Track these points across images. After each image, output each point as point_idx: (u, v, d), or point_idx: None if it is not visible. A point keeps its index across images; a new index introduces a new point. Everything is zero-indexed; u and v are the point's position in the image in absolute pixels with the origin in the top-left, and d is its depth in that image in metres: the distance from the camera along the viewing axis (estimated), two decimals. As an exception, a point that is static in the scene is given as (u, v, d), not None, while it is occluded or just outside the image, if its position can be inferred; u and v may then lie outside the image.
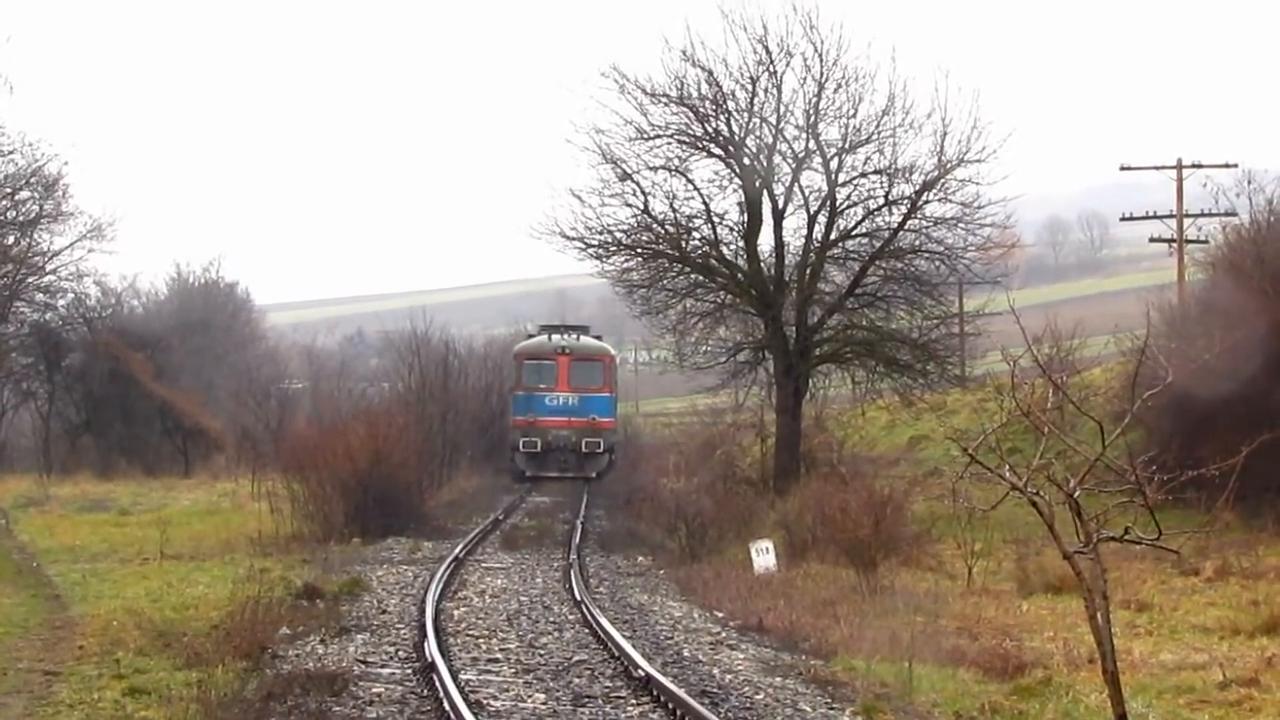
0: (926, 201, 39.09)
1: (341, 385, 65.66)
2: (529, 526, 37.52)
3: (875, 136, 38.83)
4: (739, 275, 40.40)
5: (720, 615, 22.81)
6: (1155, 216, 53.20)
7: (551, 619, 21.79)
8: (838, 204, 39.72)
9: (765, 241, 40.37)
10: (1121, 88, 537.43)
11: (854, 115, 38.76)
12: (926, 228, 39.63)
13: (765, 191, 39.99)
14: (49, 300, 63.35)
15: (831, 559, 26.89)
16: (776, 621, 21.48)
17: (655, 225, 40.08)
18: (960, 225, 39.36)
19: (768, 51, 38.57)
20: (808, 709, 15.38)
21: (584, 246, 39.98)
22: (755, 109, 39.10)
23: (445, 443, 49.27)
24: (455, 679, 15.97)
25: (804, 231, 40.12)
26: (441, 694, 15.21)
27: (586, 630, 20.59)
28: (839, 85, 38.58)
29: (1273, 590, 22.90)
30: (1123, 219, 58.52)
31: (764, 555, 27.28)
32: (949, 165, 38.29)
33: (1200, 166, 51.56)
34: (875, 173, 39.33)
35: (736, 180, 39.75)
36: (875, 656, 18.06)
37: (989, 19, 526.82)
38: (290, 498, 34.59)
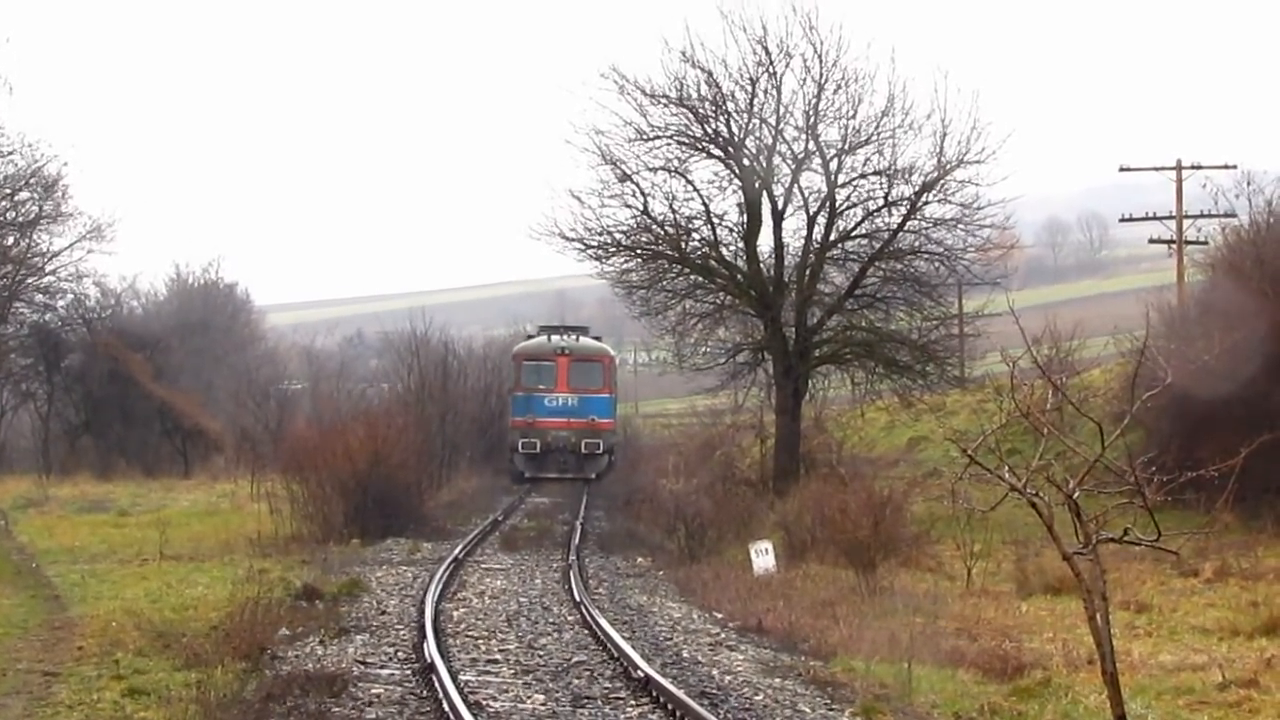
0: (926, 202, 39.15)
1: (341, 386, 65.65)
2: (528, 527, 37.52)
3: (875, 137, 38.89)
4: (738, 276, 40.40)
5: (719, 616, 22.81)
6: (1155, 218, 53.22)
7: (551, 620, 21.79)
8: (837, 205, 39.75)
9: (765, 242, 40.45)
10: (1121, 89, 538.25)
11: (853, 116, 38.85)
12: (926, 229, 39.66)
13: (765, 192, 40.00)
14: (48, 301, 63.43)
15: (831, 560, 26.89)
16: (776, 622, 21.48)
17: (655, 226, 40.10)
18: (960, 226, 39.41)
19: (767, 52, 38.63)
20: (807, 710, 15.38)
21: (583, 247, 40.05)
22: (755, 110, 39.15)
23: (444, 444, 49.27)
24: (454, 680, 15.97)
25: (803, 232, 40.18)
26: (441, 695, 15.21)
27: (586, 631, 20.59)
28: (838, 86, 38.66)
29: (1272, 591, 22.91)
30: (1122, 220, 58.57)
31: (763, 556, 27.28)
32: (948, 166, 38.34)
33: (1200, 168, 51.61)
34: (875, 174, 39.38)
35: (736, 181, 39.78)
36: (874, 657, 18.07)
37: (988, 20, 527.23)
38: (289, 499, 34.59)
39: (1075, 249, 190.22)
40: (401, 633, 20.23)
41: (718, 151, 39.55)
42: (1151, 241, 54.64)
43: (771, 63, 38.66)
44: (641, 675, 16.32)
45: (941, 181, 38.63)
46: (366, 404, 52.84)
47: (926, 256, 39.86)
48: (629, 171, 39.40)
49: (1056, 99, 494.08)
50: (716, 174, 39.85)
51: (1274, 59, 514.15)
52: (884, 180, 39.28)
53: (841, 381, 43.05)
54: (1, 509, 41.64)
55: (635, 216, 39.93)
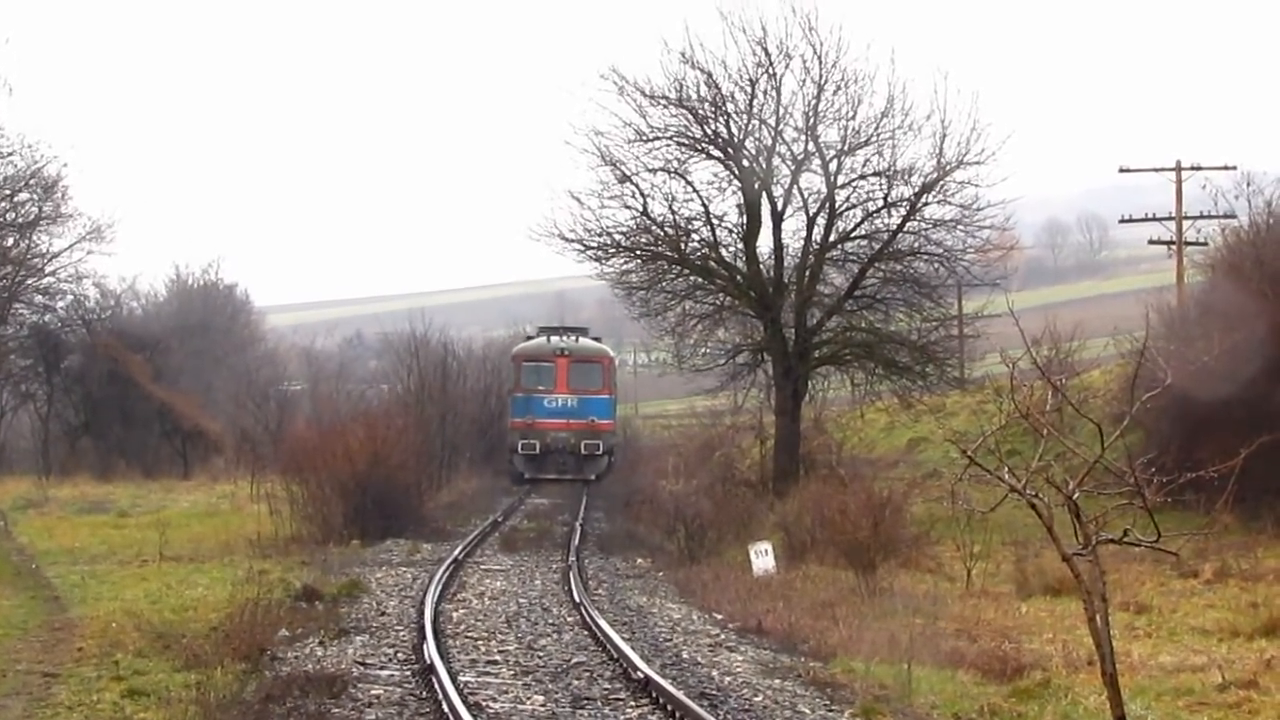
0: (925, 203, 39.14)
1: (340, 387, 65.68)
2: (528, 528, 37.51)
3: (874, 138, 38.89)
4: (738, 277, 40.41)
5: (719, 617, 22.82)
6: (1154, 219, 53.24)
7: (550, 621, 21.79)
8: (837, 206, 39.75)
9: (764, 243, 40.46)
10: (1120, 90, 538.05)
11: (853, 117, 38.84)
12: (925, 230, 39.65)
13: (764, 193, 40.00)
14: (48, 302, 63.45)
15: (830, 561, 26.89)
16: (775, 623, 21.49)
17: (654, 227, 40.10)
18: (959, 227, 39.40)
19: (767, 53, 38.62)
20: (806, 711, 15.39)
21: (583, 248, 40.05)
22: (754, 111, 39.14)
23: (444, 445, 49.29)
24: (454, 681, 15.98)
25: (803, 233, 40.17)
26: (440, 696, 15.21)
27: (585, 632, 20.59)
28: (838, 87, 38.66)
29: (1272, 592, 22.92)
30: (1122, 221, 58.60)
31: (763, 557, 27.29)
32: (948, 167, 38.33)
33: (1199, 168, 51.63)
34: (874, 175, 39.38)
35: (735, 182, 39.78)
36: (874, 658, 18.07)
37: (988, 21, 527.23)
38: (289, 500, 34.57)
39: (1075, 250, 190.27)
40: (401, 634, 20.23)
41: (717, 152, 39.56)
42: (1151, 242, 54.66)
43: (771, 64, 38.71)
44: (641, 676, 16.32)
45: (941, 182, 38.64)
46: (366, 405, 52.82)
47: (926, 257, 39.86)
48: (628, 172, 39.44)
49: (1056, 100, 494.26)
50: (716, 175, 39.92)
51: (1274, 60, 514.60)
52: (883, 181, 39.32)
53: (841, 382, 43.06)
54: (1, 510, 41.64)
55: (635, 217, 39.97)
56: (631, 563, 31.17)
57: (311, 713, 14.75)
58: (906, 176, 38.93)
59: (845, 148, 39.10)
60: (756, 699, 15.90)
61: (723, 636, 20.74)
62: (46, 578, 26.77)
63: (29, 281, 61.74)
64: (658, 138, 39.24)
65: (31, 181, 58.14)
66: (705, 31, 46.99)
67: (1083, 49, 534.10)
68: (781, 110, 39.09)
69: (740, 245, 40.34)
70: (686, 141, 39.50)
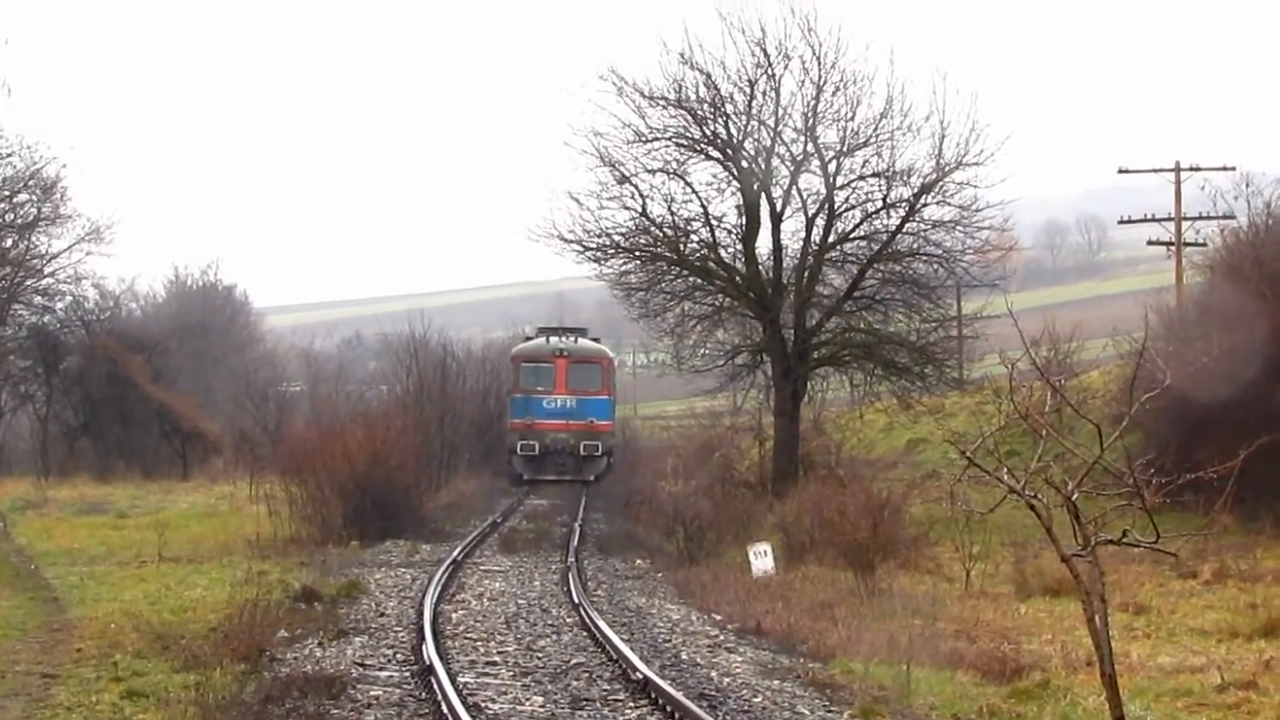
0: (924, 204, 39.16)
1: (339, 388, 65.69)
2: (527, 529, 37.51)
3: (873, 139, 38.91)
4: (737, 278, 40.41)
5: (718, 618, 22.81)
6: (1153, 219, 53.28)
7: (550, 622, 21.79)
8: (836, 207, 39.76)
9: (763, 244, 40.47)
10: (1119, 90, 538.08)
11: (852, 118, 38.87)
12: (924, 230, 39.66)
13: (763, 194, 40.01)
14: (47, 303, 63.43)
15: (829, 562, 26.89)
16: (774, 624, 21.49)
17: (653, 228, 40.11)
18: (958, 228, 39.42)
19: (766, 54, 38.64)
20: (806, 712, 15.39)
21: (582, 249, 40.06)
22: (753, 112, 39.15)
23: (443, 445, 49.30)
24: (453, 682, 15.98)
25: (802, 234, 40.19)
26: (440, 697, 15.20)
27: (584, 633, 20.59)
28: (837, 88, 38.67)
29: (1271, 593, 22.92)
30: (1121, 222, 58.62)
31: (762, 558, 27.29)
32: (947, 168, 38.33)
33: (1198, 169, 51.66)
34: (873, 175, 39.41)
35: (734, 183, 39.79)
36: (873, 659, 18.07)
37: (987, 22, 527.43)
38: (288, 500, 34.57)
39: (1074, 251, 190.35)
40: (400, 635, 20.22)
41: (716, 153, 39.57)
42: (1150, 243, 54.68)
43: (770, 65, 38.72)
44: (640, 677, 16.32)
45: (940, 183, 38.65)
46: (365, 406, 52.83)
47: (925, 258, 39.86)
48: (627, 173, 39.46)
49: (1055, 101, 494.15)
50: (715, 176, 39.94)
51: (1273, 60, 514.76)
52: (882, 182, 39.34)
53: (840, 383, 43.07)
54: (0, 511, 41.63)
55: (634, 218, 40.00)
56: (630, 564, 31.16)
57: (310, 713, 14.74)
58: (905, 177, 39.01)
59: (844, 149, 39.14)
60: (755, 700, 15.90)
61: (722, 637, 20.74)
62: (45, 579, 26.77)
63: (28, 282, 61.75)
64: (657, 138, 39.29)
65: (30, 182, 58.18)
66: (704, 32, 47.10)
67: (1082, 49, 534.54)
68: (780, 111, 39.16)
69: (739, 246, 40.35)
70: (685, 142, 39.52)
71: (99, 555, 30.92)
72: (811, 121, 38.93)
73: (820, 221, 39.82)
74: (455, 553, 30.13)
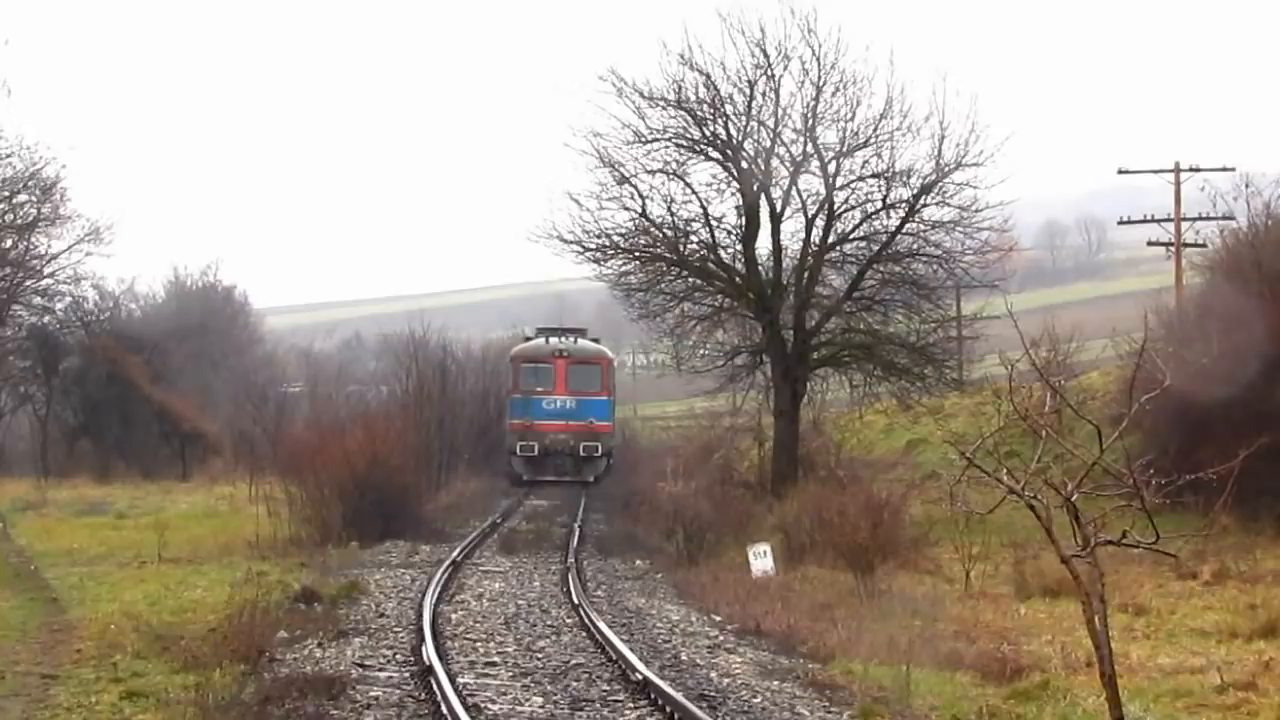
0: (924, 205, 39.16)
1: (339, 389, 65.66)
2: (526, 530, 37.51)
3: (873, 140, 38.92)
4: (737, 279, 40.42)
5: (718, 619, 22.81)
6: (1153, 220, 53.31)
7: (549, 622, 21.79)
8: (835, 207, 39.76)
9: (763, 245, 40.49)
10: (1119, 91, 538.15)
11: (852, 119, 38.87)
12: (924, 231, 39.66)
13: (763, 195, 40.02)
14: (46, 303, 63.53)
15: (829, 562, 26.89)
16: (774, 625, 21.49)
17: (653, 229, 40.12)
18: (958, 229, 39.39)
19: (765, 55, 38.65)
20: (805, 712, 15.38)
21: (582, 250, 40.06)
22: (753, 112, 39.16)
23: (443, 446, 49.28)
24: (453, 682, 15.98)
25: (802, 235, 40.21)
26: (439, 697, 15.20)
27: (584, 634, 20.58)
28: (837, 89, 38.68)
29: (1270, 594, 22.92)
30: (1120, 222, 58.68)
31: (762, 559, 27.29)
32: (947, 169, 38.35)
33: (1198, 170, 51.68)
34: (873, 176, 39.42)
35: (734, 184, 39.80)
36: (873, 660, 18.06)
37: (987, 22, 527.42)
38: (288, 501, 34.59)
39: (1073, 251, 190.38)
40: (400, 635, 20.22)
41: (716, 154, 39.58)
42: (1150, 244, 54.68)
43: (770, 65, 38.73)
44: (640, 678, 16.32)
45: (940, 184, 38.66)
46: (365, 407, 52.84)
47: (925, 259, 39.87)
48: (627, 174, 39.48)
49: (1055, 101, 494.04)
50: (715, 176, 39.95)
51: (1273, 61, 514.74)
52: (882, 183, 39.34)
53: (840, 384, 43.10)
54: (0, 511, 41.64)
55: (633, 219, 40.01)
56: (630, 564, 31.16)
57: (310, 714, 14.74)
58: (905, 178, 39.02)
59: (844, 149, 39.14)
60: (755, 700, 15.90)
61: (721, 638, 20.74)
62: (45, 579, 26.78)
63: (27, 283, 61.83)
64: (656, 139, 39.30)
65: (30, 183, 58.24)
66: (704, 33, 47.14)
67: (1082, 50, 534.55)
68: (780, 112, 39.17)
69: (739, 247, 40.36)
70: (685, 143, 39.53)
71: (99, 556, 30.93)
72: (811, 122, 38.96)
73: (820, 222, 39.84)
74: (455, 553, 30.13)
